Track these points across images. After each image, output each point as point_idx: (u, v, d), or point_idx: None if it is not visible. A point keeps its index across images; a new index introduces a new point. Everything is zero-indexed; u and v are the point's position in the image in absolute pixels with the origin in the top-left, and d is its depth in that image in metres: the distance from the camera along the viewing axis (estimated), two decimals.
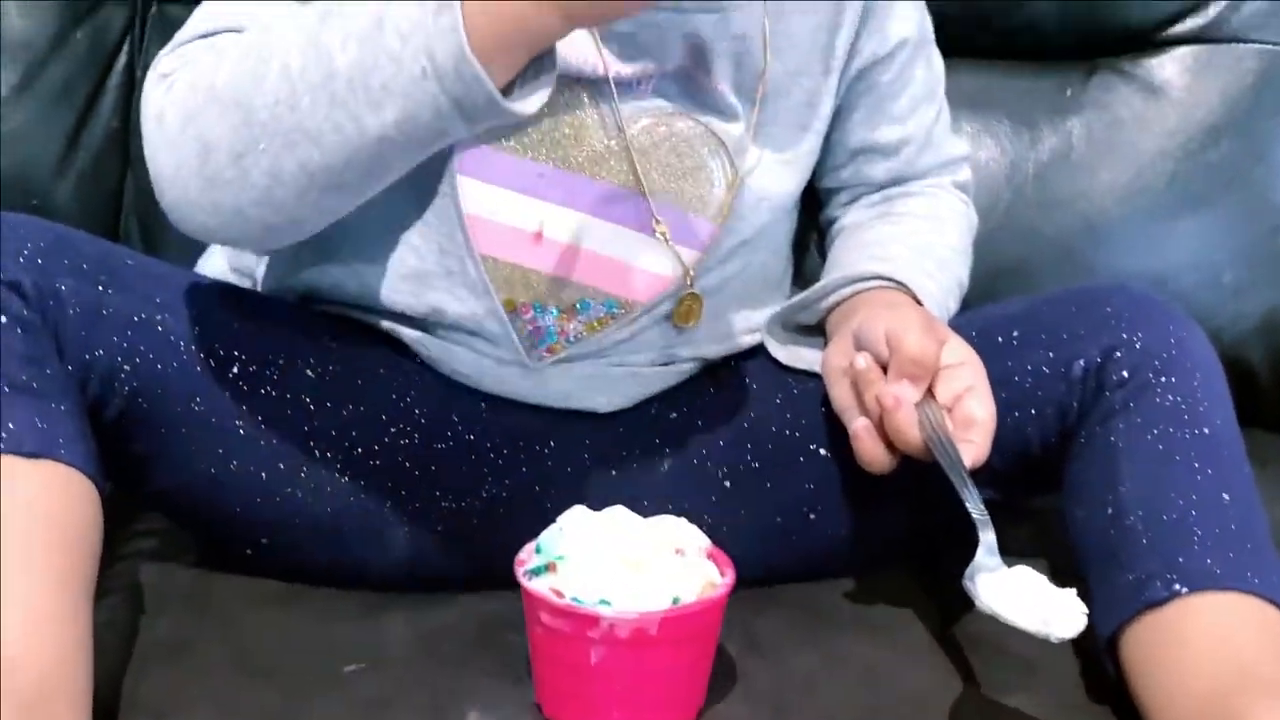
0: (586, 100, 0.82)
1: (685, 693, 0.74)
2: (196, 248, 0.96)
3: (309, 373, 0.82)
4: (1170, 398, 0.78)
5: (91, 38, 1.08)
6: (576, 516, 0.74)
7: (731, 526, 0.82)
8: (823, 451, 0.85)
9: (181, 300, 0.80)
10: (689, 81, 0.84)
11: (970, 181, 0.97)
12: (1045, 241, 1.07)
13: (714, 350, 0.88)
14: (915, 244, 0.90)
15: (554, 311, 0.83)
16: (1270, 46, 1.08)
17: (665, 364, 0.87)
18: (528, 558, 0.73)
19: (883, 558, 0.88)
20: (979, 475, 0.76)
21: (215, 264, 0.93)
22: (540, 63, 0.71)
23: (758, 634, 0.80)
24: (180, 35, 0.78)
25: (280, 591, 0.83)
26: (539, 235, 0.82)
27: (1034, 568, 0.74)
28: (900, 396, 0.77)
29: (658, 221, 0.83)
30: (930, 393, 0.78)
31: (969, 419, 0.77)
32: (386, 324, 0.84)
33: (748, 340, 0.89)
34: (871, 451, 0.78)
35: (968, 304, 0.92)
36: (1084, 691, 0.78)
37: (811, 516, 0.86)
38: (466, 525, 0.84)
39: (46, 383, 0.73)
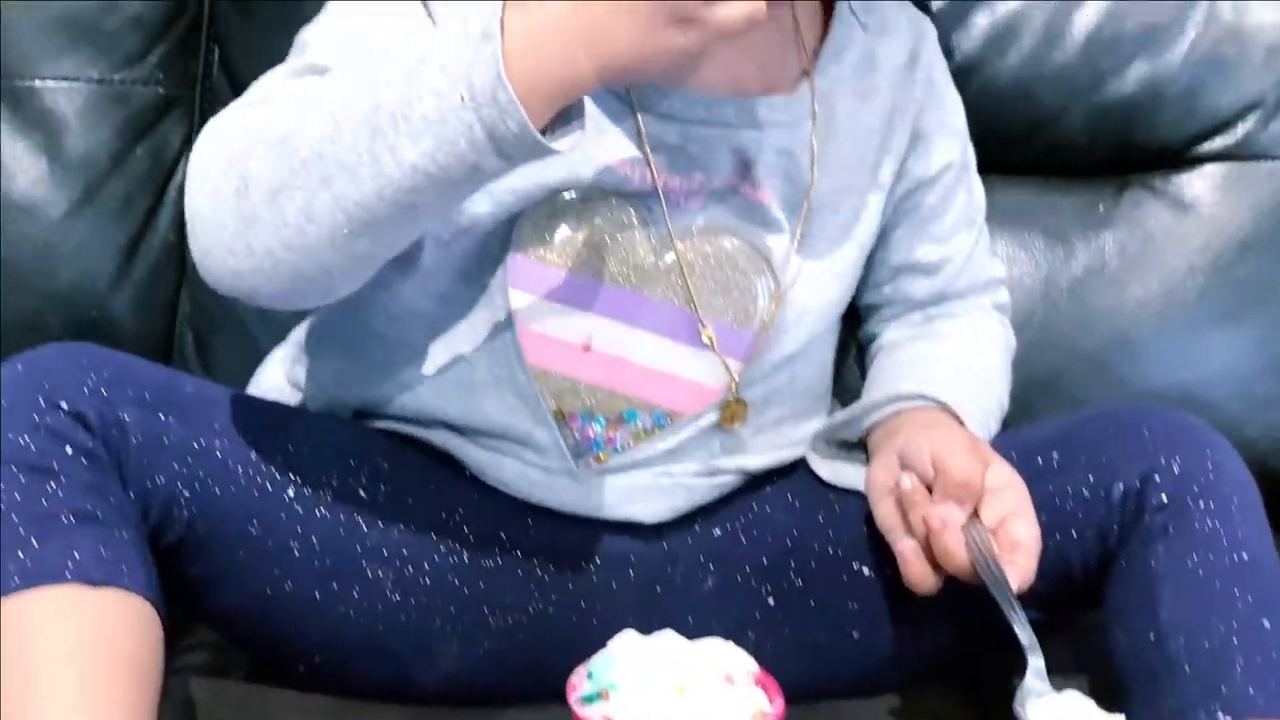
0: (634, 214, 0.84)
1: None
2: (250, 357, 0.98)
3: (361, 493, 0.83)
4: (1209, 523, 0.79)
5: (151, 155, 1.10)
6: (628, 642, 0.74)
7: (775, 643, 0.84)
8: (866, 571, 0.87)
9: (238, 425, 0.81)
10: (735, 195, 0.86)
11: (1008, 303, 0.99)
12: (1079, 354, 1.08)
13: (757, 463, 0.90)
14: (957, 365, 0.92)
15: (601, 420, 0.85)
16: None
17: (709, 475, 0.88)
18: (579, 682, 0.74)
19: (927, 675, 0.89)
20: (1023, 596, 0.77)
21: (272, 376, 0.95)
22: (569, 115, 0.72)
23: None
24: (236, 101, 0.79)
25: (331, 707, 0.84)
26: (587, 347, 0.84)
27: (1076, 684, 0.74)
28: (946, 518, 0.78)
29: (703, 325, 0.85)
30: (975, 515, 0.79)
31: (1014, 542, 0.79)
32: (437, 437, 0.86)
33: (790, 454, 0.91)
34: (920, 573, 0.80)
35: (1004, 417, 0.93)
36: None
37: (855, 635, 0.87)
38: (513, 640, 0.85)
39: (110, 512, 0.75)
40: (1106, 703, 0.73)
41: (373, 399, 0.87)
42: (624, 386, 0.84)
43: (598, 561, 0.86)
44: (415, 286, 0.85)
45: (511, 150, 0.70)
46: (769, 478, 0.90)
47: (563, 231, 0.83)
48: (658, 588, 0.87)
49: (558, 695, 0.73)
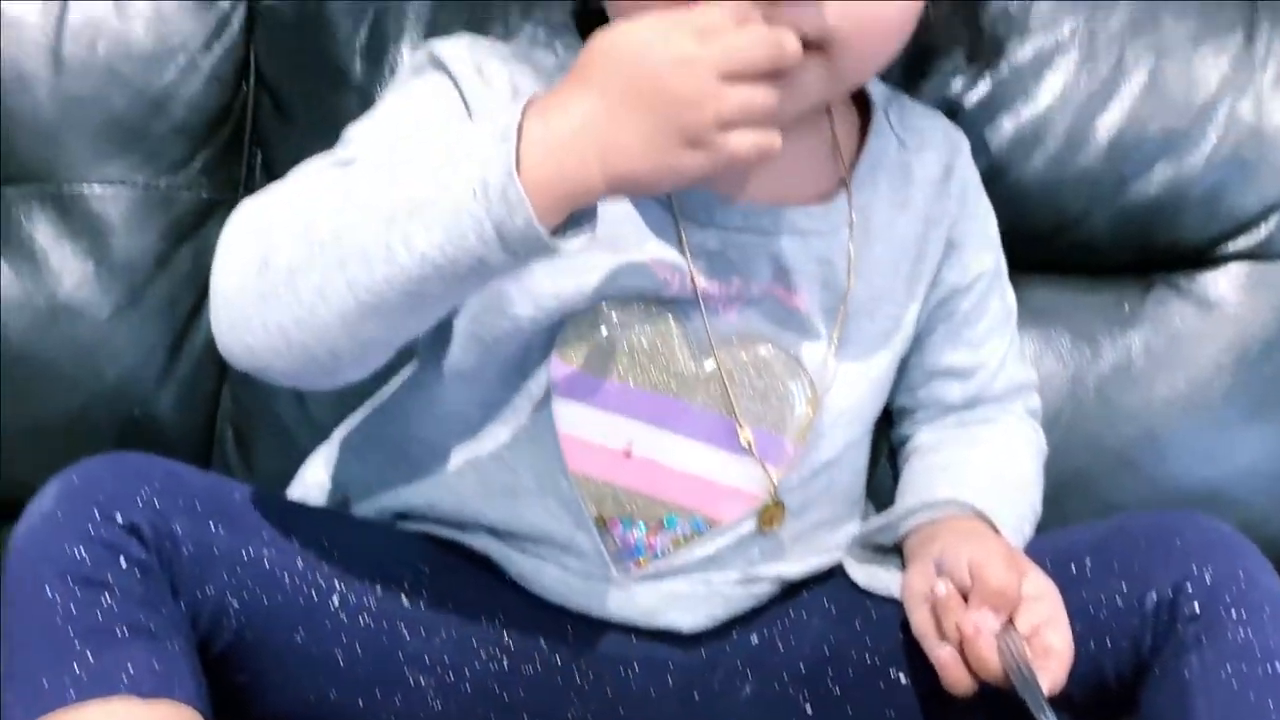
0: (673, 320, 0.86)
1: None
2: (289, 453, 1.00)
3: (404, 600, 0.85)
4: (1242, 633, 0.80)
5: (194, 257, 1.12)
6: None
7: None
8: (903, 679, 0.87)
9: (285, 533, 0.83)
10: (773, 301, 0.88)
11: (1040, 408, 1.00)
12: (1107, 452, 1.09)
13: (795, 570, 0.90)
14: (992, 472, 0.93)
15: (642, 526, 0.86)
16: None
17: (747, 583, 0.89)
18: None
19: None
20: (1058, 704, 0.78)
21: (315, 475, 0.96)
22: (579, 220, 0.73)
23: None
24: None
25: None
26: (628, 453, 0.85)
27: None
28: (980, 625, 0.79)
29: (741, 426, 0.86)
30: (1010, 622, 0.80)
31: (1047, 649, 0.80)
32: (478, 541, 0.87)
33: (827, 560, 0.92)
34: (958, 678, 0.81)
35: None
36: None
37: None
38: None
39: (162, 623, 0.76)
40: None
41: (414, 503, 0.88)
42: (664, 492, 0.86)
43: (636, 669, 0.87)
44: (457, 390, 0.87)
45: (517, 246, 0.71)
46: (805, 583, 0.91)
47: (604, 338, 0.85)
48: (696, 695, 0.87)
49: None
